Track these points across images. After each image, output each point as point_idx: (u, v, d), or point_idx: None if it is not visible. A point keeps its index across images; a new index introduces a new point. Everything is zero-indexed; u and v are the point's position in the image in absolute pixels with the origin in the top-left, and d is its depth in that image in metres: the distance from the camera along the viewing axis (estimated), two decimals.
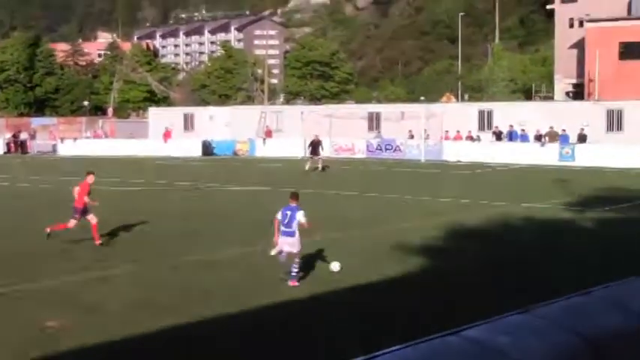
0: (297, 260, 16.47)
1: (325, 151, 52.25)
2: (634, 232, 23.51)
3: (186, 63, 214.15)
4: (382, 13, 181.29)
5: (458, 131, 57.24)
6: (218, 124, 67.34)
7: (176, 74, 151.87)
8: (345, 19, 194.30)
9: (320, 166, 46.67)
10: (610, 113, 53.22)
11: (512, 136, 55.14)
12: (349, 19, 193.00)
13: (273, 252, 16.92)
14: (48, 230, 21.32)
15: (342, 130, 60.09)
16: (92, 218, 21.18)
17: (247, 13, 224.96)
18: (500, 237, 23.01)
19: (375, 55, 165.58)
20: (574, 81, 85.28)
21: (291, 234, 16.57)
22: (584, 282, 11.48)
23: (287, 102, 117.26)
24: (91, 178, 21.65)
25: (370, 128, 62.23)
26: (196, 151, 61.91)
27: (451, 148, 55.26)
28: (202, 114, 71.25)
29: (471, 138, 56.41)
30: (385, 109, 65.68)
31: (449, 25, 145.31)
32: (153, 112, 77.25)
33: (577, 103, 65.90)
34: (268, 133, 64.66)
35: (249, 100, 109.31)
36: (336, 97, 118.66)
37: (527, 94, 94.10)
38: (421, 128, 56.55)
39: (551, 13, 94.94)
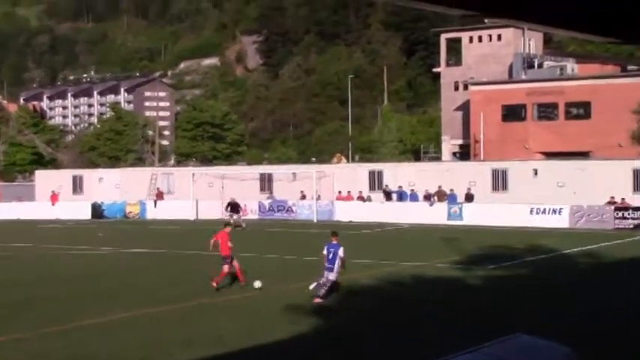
0: (328, 285, 21.06)
1: (217, 212, 52.42)
2: (518, 288, 24.11)
3: (75, 125, 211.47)
4: (273, 75, 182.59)
5: (349, 192, 57.82)
6: (108, 186, 66.52)
7: (64, 136, 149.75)
8: (236, 80, 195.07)
9: (243, 224, 48.02)
10: (495, 173, 54.63)
11: (402, 196, 55.99)
12: (240, 81, 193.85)
13: (311, 286, 21.04)
14: (215, 284, 23.66)
15: (234, 191, 60.05)
16: (236, 264, 24.66)
17: (137, 74, 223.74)
18: (392, 295, 23.25)
19: (267, 117, 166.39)
20: (460, 142, 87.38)
21: (332, 268, 21.16)
22: (476, 338, 11.71)
23: (178, 164, 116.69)
24: (228, 229, 25.71)
25: (262, 189, 62.38)
26: (86, 214, 60.95)
27: (343, 209, 55.76)
28: (92, 176, 70.28)
29: (361, 198, 57.03)
30: (277, 170, 65.99)
31: (339, 87, 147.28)
32: (40, 174, 75.82)
33: (463, 163, 67.44)
34: (159, 195, 64.13)
35: (139, 161, 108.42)
36: (228, 159, 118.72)
37: (416, 155, 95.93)
38: (313, 189, 56.98)
39: (438, 76, 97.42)
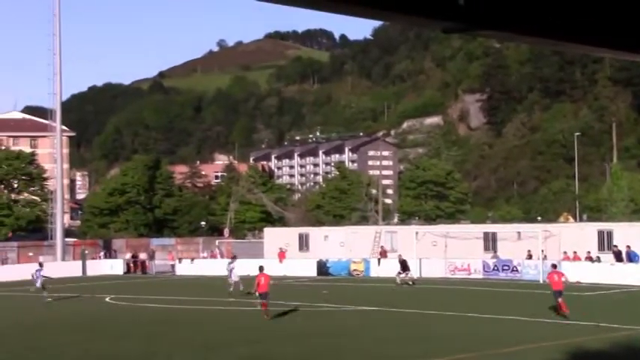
0: None
1: (440, 272, 52.80)
2: None
3: (301, 184, 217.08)
4: (496, 133, 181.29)
5: (575, 252, 56.10)
6: (333, 244, 67.65)
7: (291, 195, 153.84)
8: (459, 139, 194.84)
9: (411, 281, 51.70)
10: None
11: (630, 256, 53.74)
12: (463, 139, 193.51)
13: None
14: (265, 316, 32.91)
15: (458, 250, 59.64)
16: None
17: (361, 134, 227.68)
18: None
19: (490, 175, 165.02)
20: None
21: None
22: None
23: (402, 222, 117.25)
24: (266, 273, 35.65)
25: (486, 248, 61.54)
26: (311, 271, 62.16)
27: (569, 269, 54.13)
28: (317, 234, 71.75)
29: (590, 259, 55.20)
30: (501, 229, 65.02)
31: (564, 144, 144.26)
32: (268, 232, 78.12)
33: None
34: (383, 254, 64.55)
35: (363, 220, 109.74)
36: (451, 217, 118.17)
37: None
38: (539, 248, 55.69)
39: None
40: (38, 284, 45.91)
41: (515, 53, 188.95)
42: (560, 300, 32.91)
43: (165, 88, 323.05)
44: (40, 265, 48.98)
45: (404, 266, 53.23)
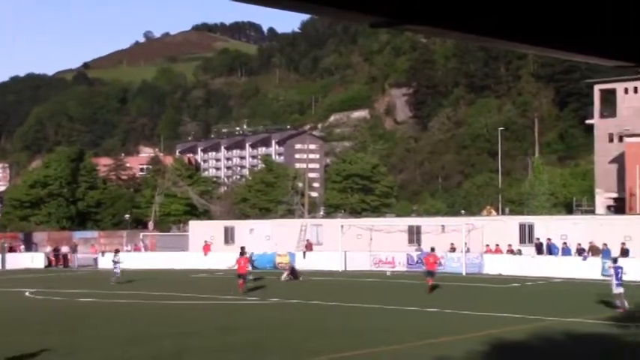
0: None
1: (365, 265, 53.29)
2: None
3: (227, 177, 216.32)
4: (422, 127, 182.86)
5: (497, 245, 56.96)
6: (258, 237, 67.61)
7: (217, 188, 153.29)
8: (385, 132, 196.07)
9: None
10: None
11: (551, 248, 54.73)
12: (389, 133, 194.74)
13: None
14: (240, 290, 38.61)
15: (382, 243, 60.08)
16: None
17: (288, 127, 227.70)
18: (546, 352, 22.70)
19: (415, 169, 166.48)
20: (615, 195, 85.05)
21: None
22: None
23: (327, 215, 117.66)
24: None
25: (410, 241, 62.11)
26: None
27: (492, 262, 54.94)
28: (243, 227, 71.64)
29: (511, 251, 56.08)
30: (425, 223, 65.67)
31: (488, 139, 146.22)
32: (193, 225, 77.73)
33: (618, 217, 65.45)
34: (309, 247, 64.75)
35: (289, 213, 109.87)
36: (376, 211, 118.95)
37: (569, 208, 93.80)
38: (462, 242, 56.39)
39: (591, 127, 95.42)
40: None
41: (441, 48, 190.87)
42: (430, 278, 41.33)
43: (90, 80, 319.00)
44: None
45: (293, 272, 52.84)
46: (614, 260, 36.26)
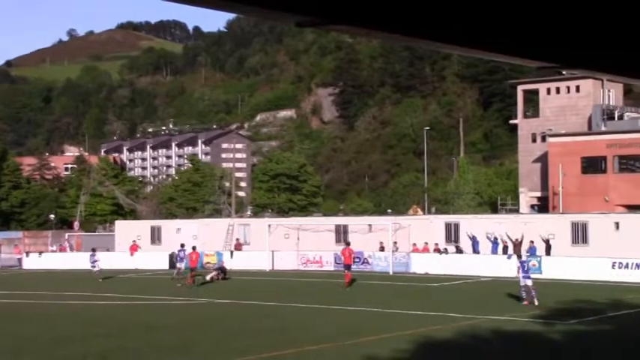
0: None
1: (292, 264, 53.38)
2: (601, 344, 23.59)
3: (154, 176, 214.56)
4: (348, 127, 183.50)
5: (425, 243, 57.45)
6: (185, 236, 67.14)
7: (143, 187, 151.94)
8: (312, 132, 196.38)
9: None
10: (575, 226, 53.74)
11: (475, 246, 55.44)
12: (316, 133, 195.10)
13: None
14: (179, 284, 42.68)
15: (310, 242, 60.15)
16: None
17: (214, 126, 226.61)
18: (472, 350, 22.95)
19: (342, 168, 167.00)
20: (539, 194, 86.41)
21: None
22: None
23: (254, 215, 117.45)
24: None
25: (338, 241, 62.23)
26: (164, 264, 61.58)
27: (419, 261, 55.39)
28: (170, 227, 71.11)
29: (438, 250, 56.62)
30: (352, 222, 65.92)
31: (414, 139, 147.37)
32: (119, 224, 76.93)
33: (542, 216, 66.52)
34: (238, 246, 64.54)
35: (216, 212, 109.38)
36: (303, 210, 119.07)
37: (494, 207, 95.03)
38: (389, 241, 56.73)
39: (515, 127, 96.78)
40: None
41: (367, 48, 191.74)
42: (348, 272, 44.70)
43: (13, 78, 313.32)
44: None
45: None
46: (519, 255, 38.54)
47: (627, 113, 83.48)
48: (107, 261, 63.66)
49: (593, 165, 78.34)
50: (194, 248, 48.80)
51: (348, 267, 45.53)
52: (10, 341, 25.04)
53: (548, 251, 51.75)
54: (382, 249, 58.06)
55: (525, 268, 34.48)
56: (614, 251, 48.74)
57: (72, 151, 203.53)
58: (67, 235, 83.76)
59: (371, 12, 2.44)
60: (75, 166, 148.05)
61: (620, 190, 75.06)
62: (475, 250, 55.37)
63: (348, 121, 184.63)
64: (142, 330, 27.17)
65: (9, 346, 24.11)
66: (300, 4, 2.34)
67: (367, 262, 57.39)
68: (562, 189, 77.86)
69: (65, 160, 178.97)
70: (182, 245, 52.76)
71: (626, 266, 47.38)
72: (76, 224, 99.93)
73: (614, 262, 47.73)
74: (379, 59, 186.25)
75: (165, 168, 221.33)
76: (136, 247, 65.06)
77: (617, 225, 52.44)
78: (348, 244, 48.71)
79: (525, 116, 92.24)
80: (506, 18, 2.87)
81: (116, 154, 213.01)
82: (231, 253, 62.82)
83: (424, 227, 59.81)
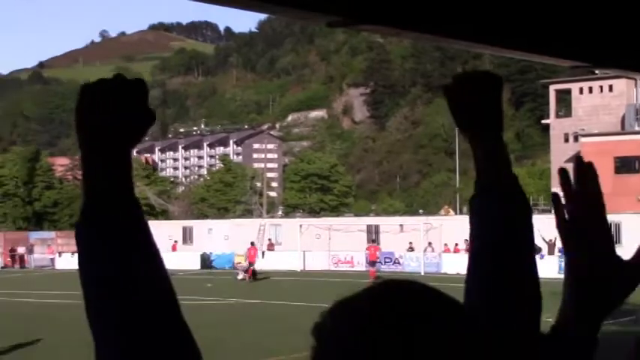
0: None
1: (324, 264, 53.55)
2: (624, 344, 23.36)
3: (185, 176, 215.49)
4: (379, 127, 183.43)
5: (456, 244, 57.28)
6: (217, 237, 67.40)
7: (175, 188, 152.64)
8: (343, 132, 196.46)
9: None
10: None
11: None
12: (347, 133, 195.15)
13: None
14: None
15: (341, 242, 60.15)
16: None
17: (246, 127, 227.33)
18: None
19: (374, 168, 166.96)
20: None
21: None
22: None
23: (286, 215, 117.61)
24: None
25: (369, 241, 62.20)
26: (195, 264, 61.82)
27: (450, 261, 55.25)
28: (201, 227, 71.40)
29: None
30: (384, 222, 65.86)
31: (446, 138, 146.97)
32: (151, 225, 76.96)
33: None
34: (270, 246, 64.66)
35: (248, 213, 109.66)
36: (335, 210, 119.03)
37: None
38: (420, 241, 56.64)
39: (547, 127, 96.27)
40: None
41: (398, 48, 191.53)
42: (372, 269, 47.27)
43: (46, 79, 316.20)
44: None
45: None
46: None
47: None
48: None
49: (626, 165, 77.75)
50: (252, 244, 51.61)
51: (372, 264, 48.84)
52: (40, 342, 25.22)
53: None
54: (412, 249, 58.00)
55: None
56: None
57: None
58: None
59: (401, 11, 2.44)
60: None
61: None
62: None
63: (380, 121, 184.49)
64: None
65: (43, 345, 24.28)
66: (330, 4, 2.34)
67: (398, 263, 57.34)
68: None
69: None
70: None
71: None
72: None
73: None
74: (410, 59, 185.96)
75: (197, 168, 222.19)
76: (175, 247, 65.79)
77: None
78: (373, 241, 52.78)
79: (558, 116, 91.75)
80: (538, 16, 2.85)
81: (148, 155, 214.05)
82: (263, 253, 62.96)
83: (455, 227, 59.59)
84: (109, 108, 1.47)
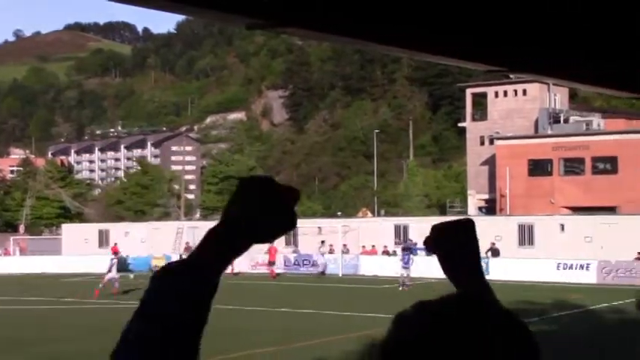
0: None
1: (243, 266, 53.12)
2: (543, 344, 23.81)
3: (102, 179, 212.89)
4: (298, 129, 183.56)
5: (373, 245, 57.65)
6: (134, 240, 66.71)
7: (91, 190, 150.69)
8: (262, 134, 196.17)
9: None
10: (521, 228, 54.33)
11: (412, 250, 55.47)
12: (266, 135, 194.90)
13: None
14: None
15: (259, 245, 59.92)
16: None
17: (164, 129, 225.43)
18: None
19: (292, 171, 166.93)
20: (486, 196, 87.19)
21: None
22: None
23: (204, 217, 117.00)
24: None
25: (287, 243, 62.27)
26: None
27: (368, 263, 55.57)
28: (118, 230, 70.58)
29: (387, 253, 56.83)
30: (302, 224, 65.90)
31: (364, 141, 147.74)
32: (66, 228, 76.21)
33: (489, 218, 67.10)
34: (188, 249, 64.21)
35: (165, 215, 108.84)
36: None
37: (442, 209, 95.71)
38: (338, 243, 56.87)
39: (463, 130, 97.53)
40: None
41: (317, 50, 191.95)
42: (272, 268, 51.99)
43: None
44: None
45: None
46: (406, 248, 42.44)
47: (572, 117, 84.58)
48: (53, 265, 63.07)
49: (539, 167, 79.22)
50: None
51: (272, 263, 53.19)
52: None
53: (495, 253, 51.97)
54: (332, 252, 58.24)
55: (406, 260, 41.41)
56: (559, 252, 49.46)
57: (18, 154, 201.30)
58: (12, 238, 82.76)
59: (321, 15, 2.46)
60: (21, 168, 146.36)
61: (565, 192, 75.97)
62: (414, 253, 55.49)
63: (298, 124, 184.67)
64: (89, 334, 26.95)
65: None
66: (249, 6, 2.35)
67: (317, 265, 57.52)
68: (509, 191, 78.65)
69: (10, 162, 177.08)
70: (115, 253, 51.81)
71: (571, 267, 48.09)
72: (22, 227, 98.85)
73: (559, 263, 48.41)
74: (329, 62, 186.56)
75: (113, 171, 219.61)
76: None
77: (562, 227, 53.16)
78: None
79: (474, 119, 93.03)
80: (454, 21, 2.90)
81: (63, 157, 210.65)
82: (180, 256, 62.48)
83: (373, 229, 60.06)
84: (264, 209, 1.56)
